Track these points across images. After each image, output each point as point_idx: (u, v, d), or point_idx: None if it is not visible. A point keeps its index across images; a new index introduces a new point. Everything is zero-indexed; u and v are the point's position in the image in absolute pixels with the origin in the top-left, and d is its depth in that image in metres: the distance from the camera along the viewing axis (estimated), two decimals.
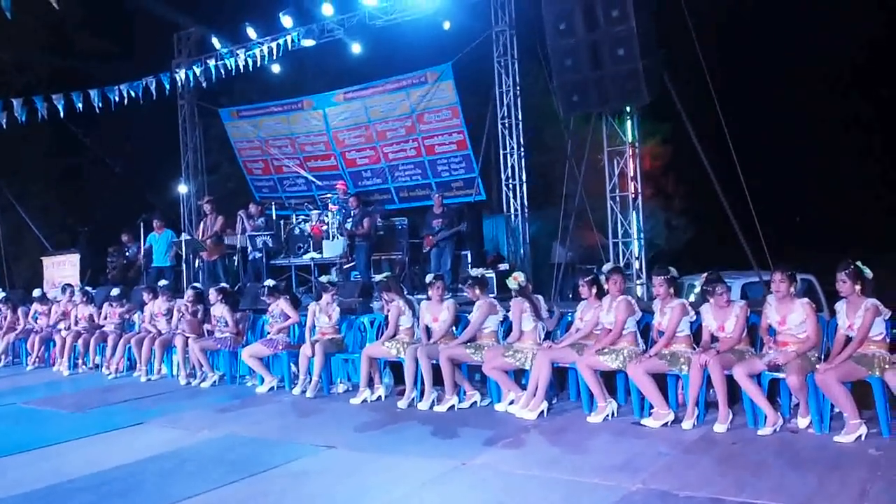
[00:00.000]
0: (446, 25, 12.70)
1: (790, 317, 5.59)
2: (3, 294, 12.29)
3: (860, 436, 5.17)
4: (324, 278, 8.53)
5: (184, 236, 12.60)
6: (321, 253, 11.93)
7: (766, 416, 5.52)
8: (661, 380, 6.12)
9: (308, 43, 13.86)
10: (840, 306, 5.59)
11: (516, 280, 6.87)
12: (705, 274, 6.44)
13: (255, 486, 4.92)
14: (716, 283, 6.01)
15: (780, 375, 5.55)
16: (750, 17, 17.94)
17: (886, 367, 5.20)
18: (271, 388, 8.15)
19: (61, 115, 12.79)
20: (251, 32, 14.15)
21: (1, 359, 11.13)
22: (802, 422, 5.52)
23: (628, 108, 10.15)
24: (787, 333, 5.61)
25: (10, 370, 10.79)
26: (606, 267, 6.86)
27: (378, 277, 7.84)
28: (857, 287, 5.44)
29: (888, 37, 18.12)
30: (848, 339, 5.46)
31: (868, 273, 5.49)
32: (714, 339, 6.03)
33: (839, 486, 4.36)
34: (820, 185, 18.91)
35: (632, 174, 10.30)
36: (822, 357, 5.68)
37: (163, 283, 10.33)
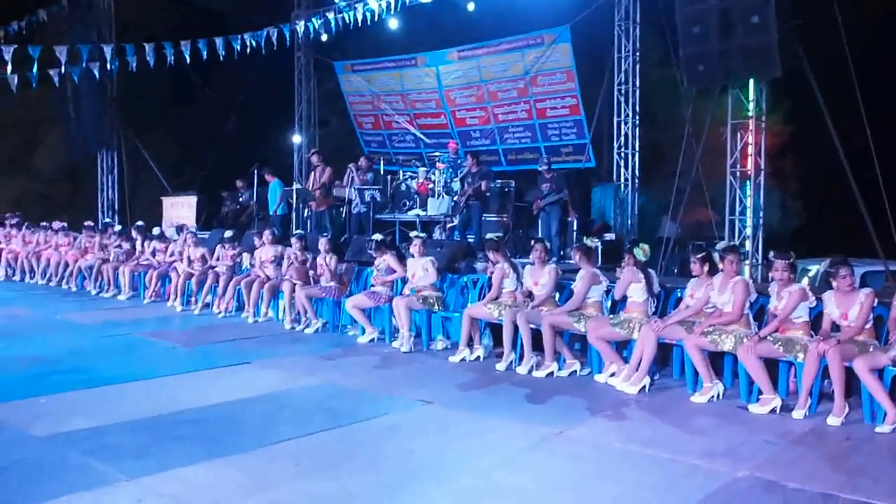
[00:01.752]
0: None
1: None
2: (122, 228, 12.97)
3: None
4: (413, 233, 8.57)
5: (295, 186, 12.90)
6: (426, 210, 11.99)
7: (887, 413, 5.21)
8: (772, 366, 5.87)
9: None
10: None
11: (644, 252, 6.72)
12: (829, 259, 6.10)
13: (352, 436, 5.02)
14: (840, 266, 5.66)
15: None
16: None
17: None
18: (371, 340, 8.29)
19: (188, 61, 13.18)
20: None
21: (123, 290, 11.70)
22: None
23: (757, 81, 9.65)
24: None
25: (128, 302, 11.37)
26: (721, 245, 6.61)
27: (489, 236, 7.79)
28: None
29: None
30: None
31: None
32: (835, 328, 5.72)
33: None
34: None
35: (755, 149, 9.84)
36: None
37: (228, 233, 10.67)
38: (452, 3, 13.97)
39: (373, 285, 8.57)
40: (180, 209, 14.95)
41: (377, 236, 8.83)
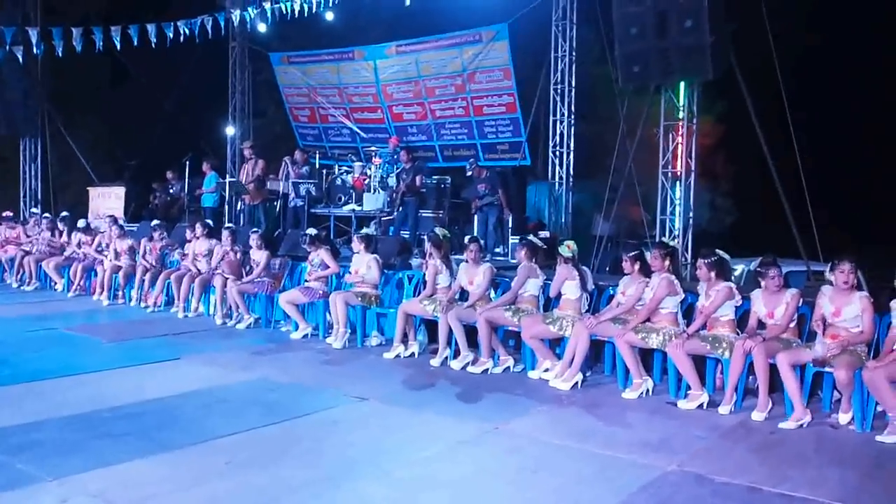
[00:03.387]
0: None
1: (846, 309, 5.43)
2: (49, 216, 12.51)
3: None
4: (363, 230, 8.51)
5: (228, 178, 12.67)
6: (361, 205, 11.91)
7: (795, 410, 5.40)
8: (699, 363, 6.02)
9: None
10: (895, 304, 5.43)
11: (570, 248, 6.79)
12: (757, 259, 6.27)
13: (290, 431, 4.96)
14: (770, 267, 5.83)
15: (827, 369, 5.42)
16: None
17: None
18: (305, 336, 8.20)
19: (117, 47, 12.78)
20: None
21: (49, 283, 11.28)
22: (843, 417, 5.40)
23: (688, 83, 9.89)
24: (840, 326, 5.46)
25: (50, 295, 10.99)
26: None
27: (437, 231, 7.77)
28: None
29: None
30: None
31: None
32: (761, 325, 5.90)
33: (881, 485, 4.26)
34: (880, 176, 18.36)
35: (686, 150, 10.08)
36: (871, 354, 5.53)
37: (155, 222, 10.46)
38: None
39: (307, 280, 8.47)
40: (108, 200, 14.49)
41: (311, 231, 8.73)
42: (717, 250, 6.20)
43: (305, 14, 13.84)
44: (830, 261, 5.67)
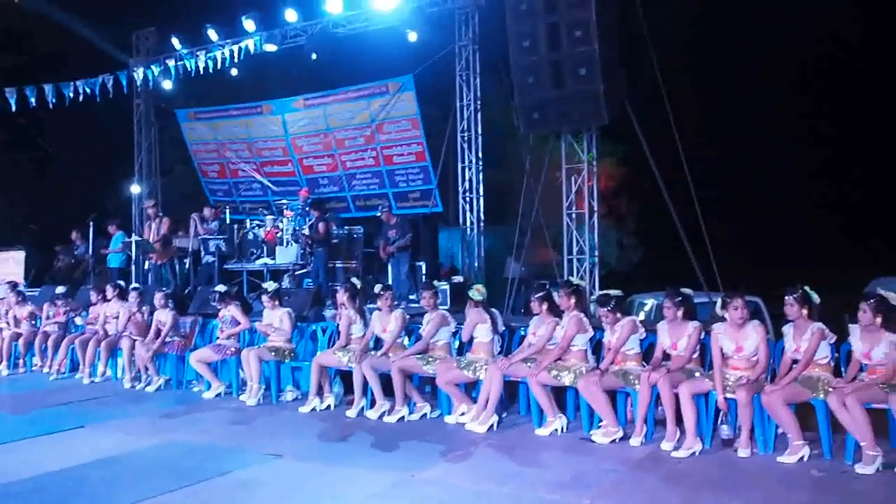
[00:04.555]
0: (412, 37, 12.69)
1: (745, 343, 5.68)
2: None
3: (803, 457, 5.27)
4: (266, 284, 8.44)
5: (134, 237, 12.37)
6: (274, 259, 11.78)
7: (686, 439, 5.59)
8: (611, 397, 6.17)
9: (270, 48, 13.73)
10: (787, 329, 5.71)
11: (479, 291, 6.89)
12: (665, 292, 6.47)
13: (198, 495, 4.81)
14: (734, 297, 5.75)
15: (731, 396, 5.63)
16: (710, 39, 18.35)
17: (830, 389, 5.31)
18: (218, 394, 8.02)
19: (13, 109, 12.43)
20: (212, 34, 13.97)
21: None
22: (744, 441, 5.59)
23: (588, 128, 10.26)
24: (741, 358, 5.70)
25: None
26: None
27: (353, 280, 7.77)
28: (805, 311, 5.57)
29: (844, 59, 18.72)
30: (794, 362, 5.58)
31: (815, 298, 5.62)
32: (667, 357, 6.10)
33: None
34: (772, 208, 19.39)
35: (588, 192, 10.41)
36: (769, 378, 5.78)
37: (60, 289, 10.17)
38: (299, 52, 13.98)
39: (218, 338, 8.31)
40: (6, 265, 13.88)
41: (220, 287, 8.59)
42: (609, 291, 6.45)
43: (211, 70, 13.82)
44: (722, 298, 5.90)
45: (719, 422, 5.74)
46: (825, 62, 19.03)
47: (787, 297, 5.62)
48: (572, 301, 6.43)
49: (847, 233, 20.02)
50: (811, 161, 20.32)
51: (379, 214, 11.40)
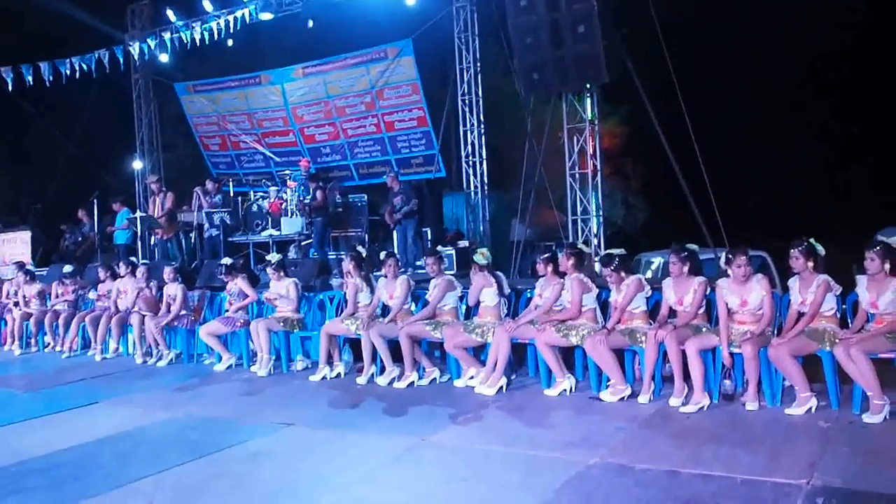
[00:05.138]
0: (410, 0, 12.53)
1: (750, 297, 5.67)
2: None
3: (810, 408, 5.29)
4: (270, 256, 8.45)
5: (138, 213, 12.39)
6: (279, 230, 11.81)
7: (693, 394, 5.61)
8: (618, 356, 6.18)
9: (266, 16, 13.62)
10: (793, 282, 5.69)
11: (483, 255, 6.90)
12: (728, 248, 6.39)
13: (212, 467, 4.86)
14: (738, 254, 5.73)
15: (737, 350, 5.64)
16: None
17: (836, 341, 5.32)
18: (229, 367, 8.08)
19: (9, 88, 12.38)
20: (207, 5, 13.84)
21: None
22: (752, 395, 5.61)
23: (588, 87, 10.17)
24: (746, 312, 5.70)
25: None
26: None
27: (359, 249, 7.79)
28: (810, 263, 5.55)
29: (851, 26, 18.45)
30: (800, 315, 5.57)
31: (821, 250, 5.60)
32: (673, 313, 6.10)
33: (790, 458, 4.45)
34: (776, 166, 19.26)
35: (591, 152, 10.36)
36: (775, 331, 5.79)
37: (67, 268, 10.21)
38: (296, 20, 13.86)
39: (227, 311, 8.35)
40: (13, 245, 13.95)
41: (226, 260, 8.62)
42: (611, 251, 6.44)
43: (207, 42, 13.72)
44: (726, 255, 5.88)
45: (724, 376, 5.76)
46: (847, 23, 18.76)
47: (792, 250, 5.60)
48: (571, 262, 6.42)
49: (855, 192, 19.90)
50: (818, 118, 20.12)
51: (387, 182, 11.37)
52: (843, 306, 5.72)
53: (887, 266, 5.29)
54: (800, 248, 5.56)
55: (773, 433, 4.98)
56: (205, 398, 6.90)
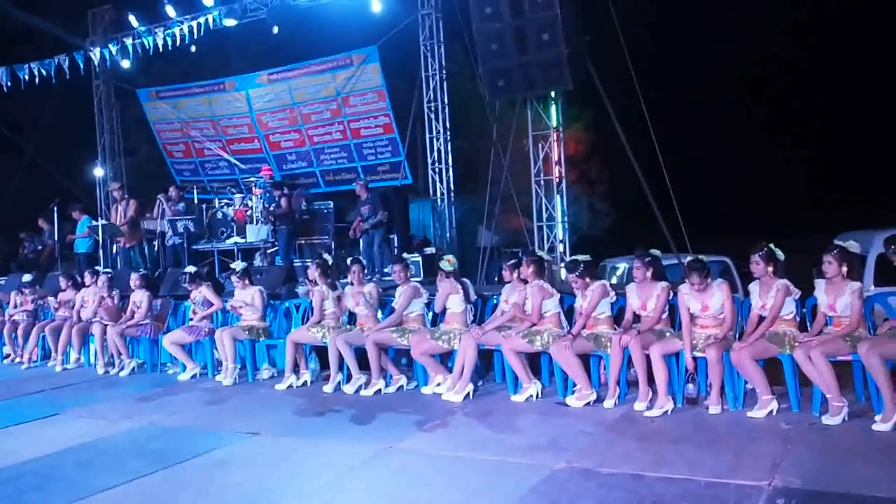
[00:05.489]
0: (375, 7, 12.52)
1: (711, 302, 5.76)
2: None
3: (772, 411, 5.39)
4: (235, 264, 8.38)
5: (100, 221, 12.20)
6: (245, 238, 11.70)
7: (658, 398, 5.68)
8: (584, 361, 6.24)
9: (230, 23, 13.49)
10: (753, 287, 5.80)
11: (450, 262, 6.91)
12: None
13: (176, 477, 4.81)
14: (692, 272, 5.82)
15: (700, 354, 5.72)
16: (675, 5, 18.36)
17: (796, 344, 5.42)
18: (194, 376, 7.99)
19: None
20: (170, 10, 13.68)
21: None
22: (714, 398, 5.69)
23: (553, 94, 10.25)
24: (708, 317, 5.79)
25: None
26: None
27: (325, 256, 7.75)
28: (770, 268, 5.65)
29: (812, 28, 18.84)
30: (761, 319, 5.67)
31: (780, 255, 5.71)
32: (637, 318, 6.17)
33: (752, 459, 4.53)
34: (740, 171, 19.60)
35: (556, 158, 10.45)
36: (737, 336, 5.88)
37: (26, 277, 10.05)
38: (261, 26, 13.77)
39: (191, 319, 8.27)
40: None
41: (190, 268, 8.53)
42: (576, 257, 6.50)
43: (170, 48, 13.58)
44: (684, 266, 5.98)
45: (687, 381, 5.84)
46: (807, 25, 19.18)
47: (752, 255, 5.70)
48: (531, 270, 6.48)
49: (815, 196, 20.32)
50: (781, 124, 20.52)
51: (357, 191, 11.34)
52: (803, 310, 5.84)
53: (844, 269, 5.42)
54: (760, 254, 5.66)
55: (735, 435, 5.06)
56: (169, 408, 6.81)
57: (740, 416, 5.47)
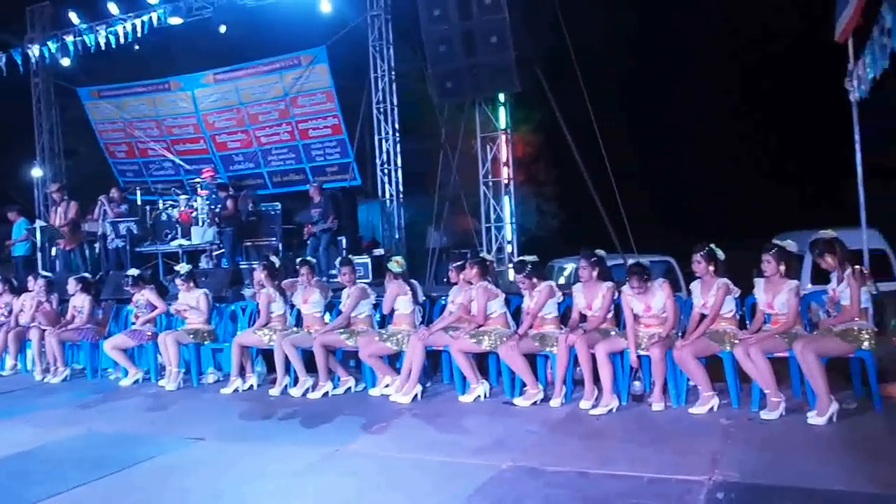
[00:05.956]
0: (324, 7, 12.41)
1: (653, 302, 5.86)
2: None
3: (713, 407, 5.51)
4: (179, 267, 8.25)
5: (38, 223, 11.87)
6: (190, 240, 11.50)
7: (603, 396, 5.77)
8: (531, 360, 6.29)
9: (175, 21, 13.27)
10: (695, 286, 5.92)
11: (398, 264, 6.90)
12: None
13: (116, 485, 4.69)
14: (633, 276, 5.92)
15: (644, 353, 5.81)
16: (621, 8, 18.60)
17: (736, 342, 5.54)
18: (136, 381, 7.83)
19: None
20: (112, 8, 13.40)
21: None
22: (657, 396, 5.78)
23: (501, 96, 10.32)
24: (651, 316, 5.88)
25: None
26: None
27: (272, 259, 7.67)
28: (711, 268, 5.78)
29: (762, 33, 19.26)
30: (702, 317, 5.79)
31: (720, 255, 5.83)
32: (583, 318, 6.24)
33: (693, 455, 4.61)
34: (683, 172, 19.91)
35: (504, 160, 10.51)
36: (680, 334, 5.99)
37: None
38: (207, 25, 13.56)
39: (133, 323, 8.09)
40: None
41: (133, 271, 8.35)
42: (524, 257, 6.54)
43: (113, 46, 13.29)
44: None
45: (632, 378, 5.93)
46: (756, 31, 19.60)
47: (694, 255, 5.82)
48: (474, 272, 6.52)
49: (756, 197, 20.76)
50: (724, 124, 20.91)
51: (310, 193, 11.27)
52: (743, 308, 5.98)
53: (782, 268, 5.56)
54: (701, 253, 5.78)
55: (677, 432, 5.15)
56: (110, 414, 6.66)
57: (682, 413, 5.57)
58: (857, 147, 7.00)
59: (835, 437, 4.83)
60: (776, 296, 5.55)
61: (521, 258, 6.64)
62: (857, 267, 5.34)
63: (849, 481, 4.03)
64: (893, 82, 6.23)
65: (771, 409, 5.26)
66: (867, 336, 5.25)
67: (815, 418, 5.07)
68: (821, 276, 6.17)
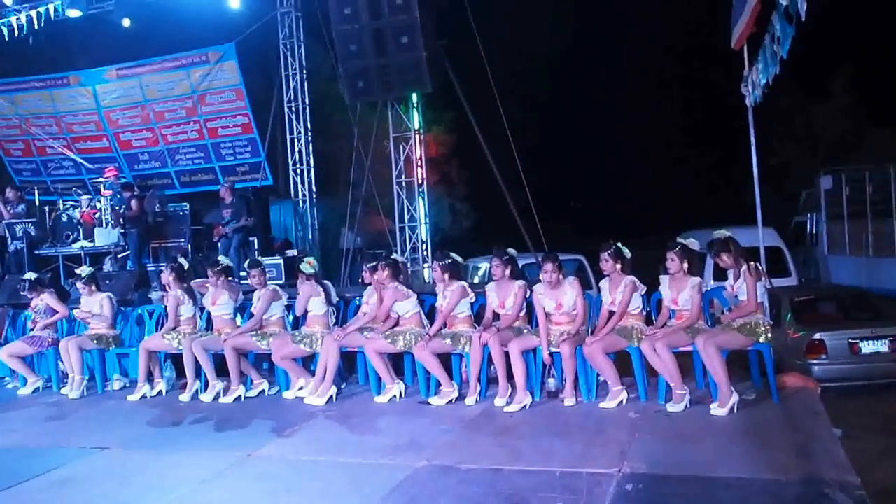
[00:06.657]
0: (233, 3, 12.14)
1: (564, 300, 5.98)
2: None
3: (622, 401, 5.67)
4: (80, 269, 7.94)
5: None
6: (93, 241, 11.05)
7: (517, 394, 5.87)
8: (446, 359, 6.32)
9: (74, 13, 12.72)
10: (604, 284, 6.07)
11: (310, 265, 6.81)
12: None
13: (11, 500, 4.48)
14: (546, 261, 6.06)
15: (555, 350, 5.93)
16: (532, 9, 18.94)
17: (642, 337, 5.72)
18: (36, 390, 7.48)
19: None
20: None
21: None
22: (569, 391, 5.90)
23: (413, 96, 10.34)
24: (562, 314, 6.00)
25: None
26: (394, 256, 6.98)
27: (181, 261, 7.44)
28: (618, 265, 5.93)
29: (673, 33, 19.88)
30: (611, 314, 5.94)
31: (627, 253, 6.00)
32: (497, 316, 6.31)
33: (602, 448, 4.74)
34: (592, 174, 20.44)
35: (417, 160, 10.54)
36: (590, 331, 6.13)
37: None
38: (109, 19, 13.07)
39: (32, 329, 7.73)
40: None
41: (30, 275, 7.97)
42: (451, 253, 6.56)
43: (6, 38, 12.67)
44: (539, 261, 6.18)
45: (546, 375, 6.04)
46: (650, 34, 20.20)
47: (601, 254, 5.97)
48: (386, 273, 6.52)
49: (661, 196, 21.50)
50: (636, 123, 21.55)
51: (221, 193, 11.01)
52: (649, 305, 6.17)
53: (686, 266, 5.76)
54: (608, 252, 5.93)
55: (588, 426, 5.28)
56: (6, 425, 6.33)
57: (593, 408, 5.71)
58: (753, 149, 7.32)
59: (736, 427, 5.04)
60: (680, 292, 5.75)
61: (449, 252, 6.59)
62: (752, 263, 5.58)
63: (749, 469, 4.22)
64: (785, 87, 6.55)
65: (676, 402, 5.45)
66: (764, 329, 5.50)
67: (717, 409, 5.28)
68: (721, 274, 6.42)
